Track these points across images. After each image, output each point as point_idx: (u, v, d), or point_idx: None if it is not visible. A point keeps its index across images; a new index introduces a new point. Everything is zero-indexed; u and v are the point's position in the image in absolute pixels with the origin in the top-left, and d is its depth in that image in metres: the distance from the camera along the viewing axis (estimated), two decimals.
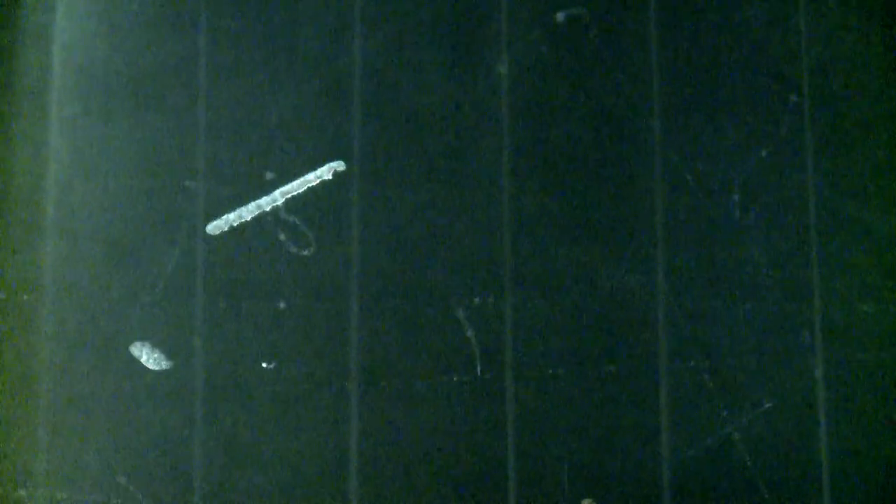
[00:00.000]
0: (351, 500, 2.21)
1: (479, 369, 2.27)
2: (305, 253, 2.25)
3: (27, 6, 2.27)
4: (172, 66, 2.28)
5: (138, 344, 2.18)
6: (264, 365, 2.23)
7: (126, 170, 2.25)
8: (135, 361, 2.20)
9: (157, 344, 2.21)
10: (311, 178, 1.98)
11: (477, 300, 2.29)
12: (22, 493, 2.17)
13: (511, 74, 2.35)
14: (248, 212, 2.15)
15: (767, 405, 2.32)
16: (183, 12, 2.29)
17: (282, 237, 2.25)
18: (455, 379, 2.26)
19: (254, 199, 2.26)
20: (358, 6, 2.33)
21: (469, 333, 2.26)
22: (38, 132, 2.25)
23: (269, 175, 2.27)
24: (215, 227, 1.98)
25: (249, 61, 2.30)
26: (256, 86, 2.30)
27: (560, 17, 1.93)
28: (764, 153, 2.39)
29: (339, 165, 2.03)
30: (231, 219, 2.04)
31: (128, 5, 2.29)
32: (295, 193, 2.23)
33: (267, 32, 2.31)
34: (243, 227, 2.26)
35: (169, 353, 2.21)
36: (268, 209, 2.25)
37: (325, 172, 2.00)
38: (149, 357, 2.16)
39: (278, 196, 2.19)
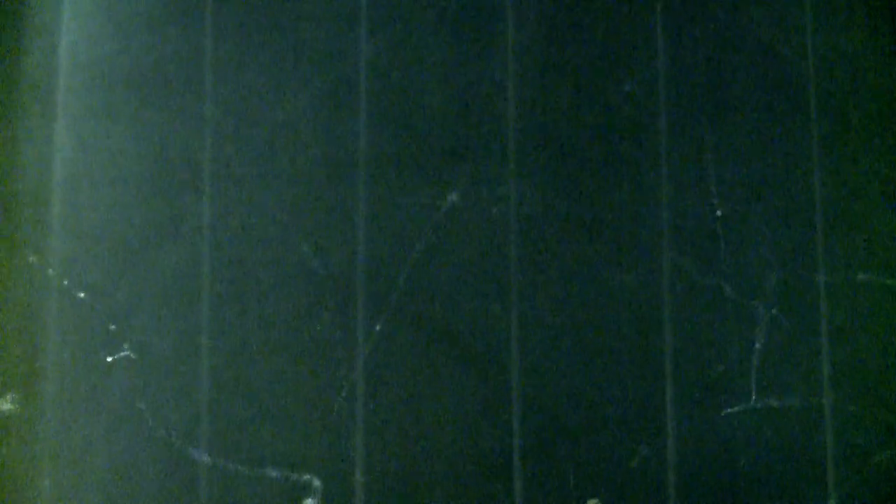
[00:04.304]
0: (357, 499, 2.21)
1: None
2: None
3: (33, 5, 2.27)
4: (178, 65, 2.28)
5: None
6: (269, 364, 2.23)
7: (132, 168, 2.25)
8: (139, 361, 2.20)
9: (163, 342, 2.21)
10: None
11: (482, 301, 2.28)
12: (27, 495, 2.16)
13: (517, 74, 2.35)
14: None
15: (774, 405, 2.32)
16: (188, 12, 2.29)
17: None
18: (461, 380, 2.26)
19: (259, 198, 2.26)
20: (364, 5, 2.33)
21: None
22: (44, 130, 2.24)
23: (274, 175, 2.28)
24: None
25: (255, 60, 2.30)
26: (262, 84, 2.29)
27: None
28: (769, 153, 2.39)
29: None
30: None
31: (133, 4, 2.28)
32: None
33: (272, 32, 2.31)
34: (250, 226, 2.26)
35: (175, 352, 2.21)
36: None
37: None
38: None
39: None
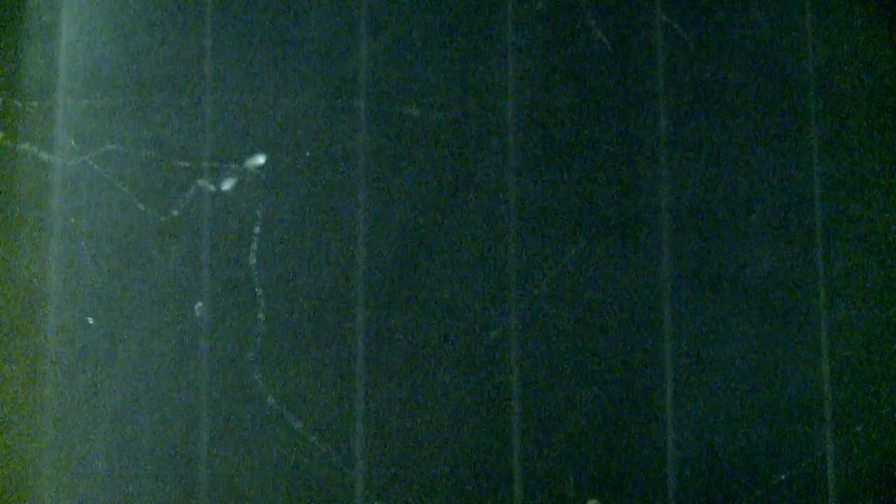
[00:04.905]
0: (356, 501, 2.21)
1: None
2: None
3: (33, 5, 2.27)
4: (178, 65, 2.28)
5: None
6: (270, 366, 2.23)
7: (131, 169, 2.25)
8: (140, 362, 2.20)
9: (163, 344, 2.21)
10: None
11: (482, 301, 2.28)
12: (27, 495, 2.16)
13: (517, 75, 2.35)
14: None
15: (774, 405, 2.32)
16: (189, 12, 2.29)
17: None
18: (460, 380, 2.26)
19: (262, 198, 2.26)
20: (364, 7, 2.33)
21: None
22: (44, 131, 2.24)
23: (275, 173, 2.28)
24: None
25: (255, 61, 2.30)
26: (262, 86, 2.29)
27: None
28: (769, 153, 2.39)
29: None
30: None
31: (133, 5, 2.28)
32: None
33: (272, 32, 2.31)
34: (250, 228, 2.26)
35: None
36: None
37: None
38: None
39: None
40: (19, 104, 2.25)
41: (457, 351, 2.27)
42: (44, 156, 2.24)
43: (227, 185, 2.26)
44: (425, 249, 2.29)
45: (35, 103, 2.25)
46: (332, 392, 2.23)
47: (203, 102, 2.27)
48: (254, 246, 2.25)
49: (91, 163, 2.24)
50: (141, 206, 2.24)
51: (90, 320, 2.20)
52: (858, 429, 2.33)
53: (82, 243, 2.22)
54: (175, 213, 2.24)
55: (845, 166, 2.40)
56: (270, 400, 2.22)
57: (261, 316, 2.23)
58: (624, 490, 2.27)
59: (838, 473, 2.31)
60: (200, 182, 2.25)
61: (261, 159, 2.27)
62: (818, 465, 2.31)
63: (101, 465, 2.18)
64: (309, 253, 2.26)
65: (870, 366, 2.35)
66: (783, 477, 2.30)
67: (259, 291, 2.23)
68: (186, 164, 2.25)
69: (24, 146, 2.24)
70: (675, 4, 2.40)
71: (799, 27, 2.43)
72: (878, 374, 2.35)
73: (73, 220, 2.23)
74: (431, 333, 2.27)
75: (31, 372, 2.19)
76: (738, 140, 2.38)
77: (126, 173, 2.25)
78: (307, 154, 2.28)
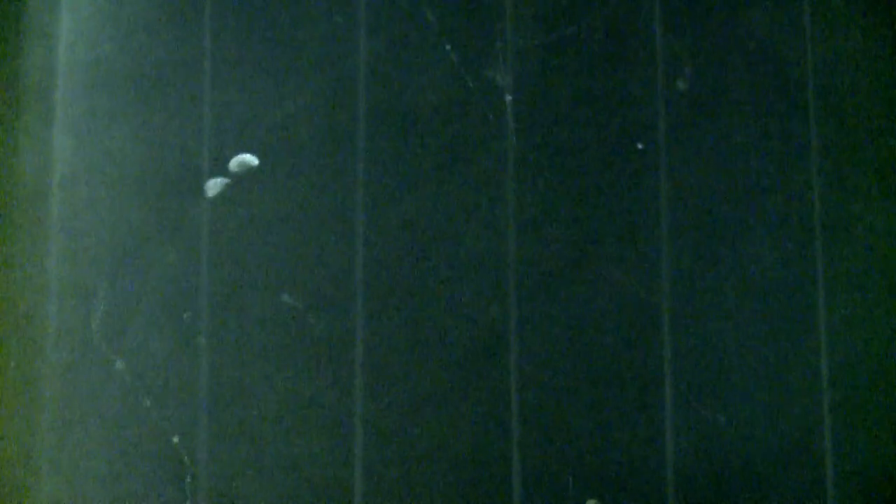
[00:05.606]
0: (356, 502, 2.21)
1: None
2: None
3: (32, 5, 2.27)
4: (177, 65, 2.28)
5: None
6: (269, 366, 2.23)
7: (131, 169, 2.25)
8: (139, 363, 2.20)
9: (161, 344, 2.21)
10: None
11: (482, 301, 2.28)
12: (26, 495, 2.16)
13: (515, 76, 2.35)
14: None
15: (773, 405, 2.32)
16: (187, 12, 2.29)
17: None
18: (459, 380, 2.26)
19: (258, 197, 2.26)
20: (363, 6, 2.33)
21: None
22: (43, 131, 2.24)
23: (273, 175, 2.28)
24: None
25: (254, 61, 2.30)
26: (261, 86, 2.29)
27: None
28: (769, 154, 2.39)
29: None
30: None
31: (132, 5, 2.28)
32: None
33: (272, 32, 2.31)
34: (249, 225, 2.26)
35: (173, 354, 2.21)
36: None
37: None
38: None
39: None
40: (19, 104, 2.25)
41: (456, 351, 2.27)
42: (43, 156, 2.24)
43: (226, 186, 2.26)
44: (423, 250, 2.29)
45: (35, 103, 2.25)
46: (332, 393, 2.23)
47: (202, 102, 2.27)
48: (252, 246, 2.25)
49: (90, 161, 2.24)
50: (141, 205, 2.24)
51: (90, 321, 2.20)
52: (858, 429, 2.33)
53: (82, 243, 2.22)
54: (175, 211, 2.24)
55: (845, 166, 2.40)
56: (270, 401, 2.22)
57: (260, 317, 2.23)
58: (624, 490, 2.27)
59: (838, 473, 2.31)
60: (200, 182, 2.25)
61: (259, 159, 2.27)
62: (818, 465, 2.31)
63: (101, 465, 2.18)
64: (308, 253, 2.26)
65: (870, 366, 2.35)
66: (783, 477, 2.30)
67: (258, 292, 2.24)
68: (186, 163, 2.25)
69: (24, 146, 2.24)
70: (674, 4, 2.40)
71: (799, 27, 2.43)
72: (878, 374, 2.35)
73: (72, 220, 2.23)
74: (431, 333, 2.27)
75: (31, 372, 2.19)
76: (738, 140, 2.38)
77: (126, 172, 2.25)
78: (306, 154, 2.29)
